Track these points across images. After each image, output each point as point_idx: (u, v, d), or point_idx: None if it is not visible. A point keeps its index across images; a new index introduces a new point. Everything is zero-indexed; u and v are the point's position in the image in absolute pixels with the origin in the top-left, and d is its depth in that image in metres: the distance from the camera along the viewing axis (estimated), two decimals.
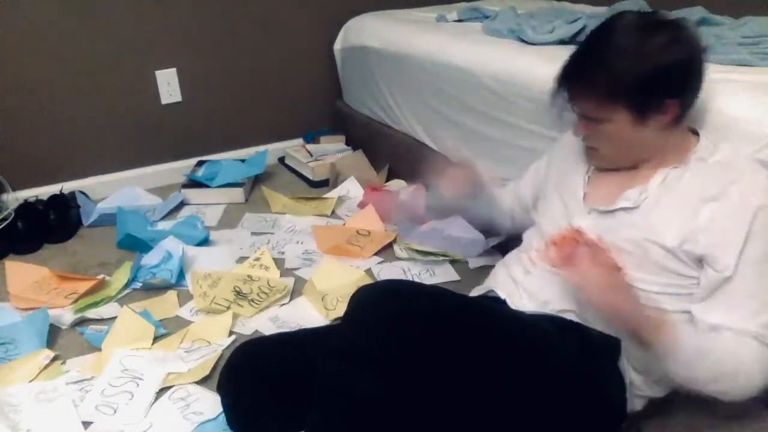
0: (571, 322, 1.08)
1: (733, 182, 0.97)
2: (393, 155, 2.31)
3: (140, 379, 1.33)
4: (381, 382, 0.88)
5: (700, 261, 0.99)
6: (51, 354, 1.41)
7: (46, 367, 1.38)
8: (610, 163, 1.10)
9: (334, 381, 0.90)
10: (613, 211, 1.07)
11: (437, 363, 0.91)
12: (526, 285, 1.15)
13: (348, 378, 0.89)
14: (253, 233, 1.99)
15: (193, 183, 2.25)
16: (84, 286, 1.63)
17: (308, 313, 1.57)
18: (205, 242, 1.91)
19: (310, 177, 2.39)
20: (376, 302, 0.93)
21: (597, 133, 1.05)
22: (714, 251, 0.96)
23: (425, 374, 0.90)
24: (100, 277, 1.72)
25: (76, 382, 1.33)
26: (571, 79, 1.04)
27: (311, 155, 2.45)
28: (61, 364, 1.40)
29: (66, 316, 1.55)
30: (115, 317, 1.51)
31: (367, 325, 0.91)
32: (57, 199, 2.10)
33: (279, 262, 1.79)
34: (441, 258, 1.77)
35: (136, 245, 1.86)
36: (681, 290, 1.02)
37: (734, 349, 0.94)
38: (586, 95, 1.02)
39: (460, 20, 2.19)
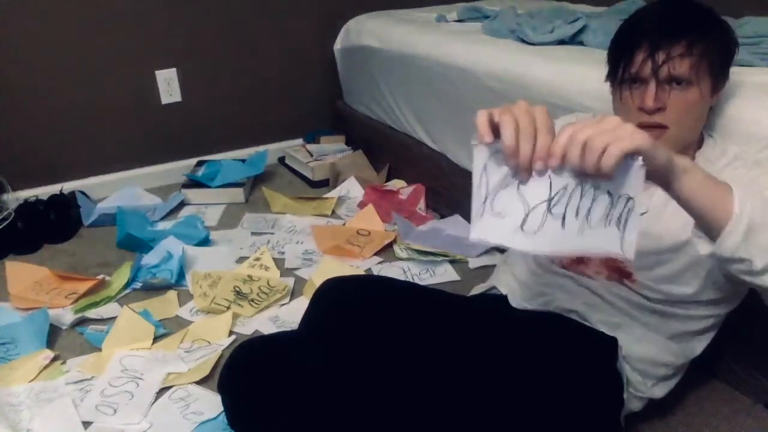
0: (571, 320, 1.08)
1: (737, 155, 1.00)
2: (393, 155, 2.31)
3: (140, 379, 1.33)
4: (330, 360, 0.98)
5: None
6: (51, 354, 1.41)
7: (46, 367, 1.38)
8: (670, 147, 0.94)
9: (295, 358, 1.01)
10: None
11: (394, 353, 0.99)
12: (530, 284, 1.15)
13: (303, 355, 1.01)
14: (253, 233, 1.99)
15: (193, 183, 2.25)
16: (84, 286, 1.64)
17: None
18: (205, 242, 1.91)
19: (310, 177, 2.39)
20: (326, 293, 1.11)
21: (676, 103, 0.97)
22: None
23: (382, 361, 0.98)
24: (100, 277, 1.72)
25: (76, 382, 1.33)
26: (669, 36, 0.95)
27: (311, 155, 2.45)
28: (61, 364, 1.40)
29: (66, 316, 1.55)
30: (115, 317, 1.51)
31: (319, 310, 1.09)
32: (57, 199, 2.10)
33: (279, 262, 1.79)
34: (441, 258, 1.77)
35: (136, 245, 1.87)
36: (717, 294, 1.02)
37: None
38: (683, 55, 0.95)
39: (460, 20, 2.19)
